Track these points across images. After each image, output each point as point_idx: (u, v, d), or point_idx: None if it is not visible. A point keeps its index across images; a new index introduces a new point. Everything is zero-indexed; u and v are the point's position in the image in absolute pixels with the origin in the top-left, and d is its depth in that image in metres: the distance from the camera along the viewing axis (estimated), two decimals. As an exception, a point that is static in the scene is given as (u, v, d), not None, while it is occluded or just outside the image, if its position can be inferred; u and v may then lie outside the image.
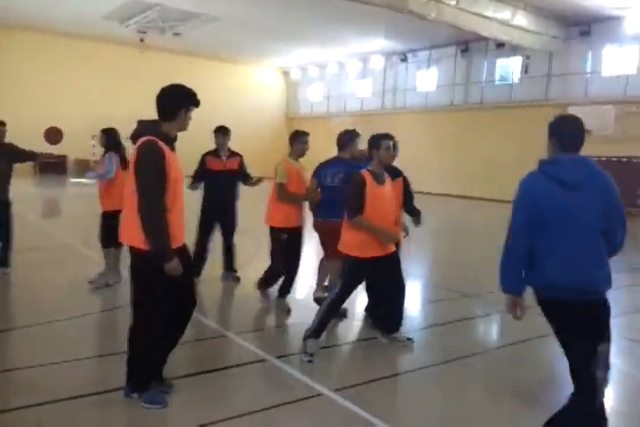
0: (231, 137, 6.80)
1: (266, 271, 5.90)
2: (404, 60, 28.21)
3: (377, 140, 4.59)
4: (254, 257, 7.98)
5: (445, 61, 26.65)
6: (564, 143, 3.00)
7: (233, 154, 6.84)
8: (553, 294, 2.91)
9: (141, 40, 26.38)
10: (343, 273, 4.60)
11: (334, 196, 5.24)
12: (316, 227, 5.66)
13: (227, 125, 6.88)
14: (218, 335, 4.92)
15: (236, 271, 6.99)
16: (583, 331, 2.85)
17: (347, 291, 4.60)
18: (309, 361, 4.39)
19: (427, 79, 27.67)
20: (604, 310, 2.88)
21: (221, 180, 6.64)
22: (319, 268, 5.99)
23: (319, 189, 5.57)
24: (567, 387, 3.71)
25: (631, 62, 20.51)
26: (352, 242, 4.51)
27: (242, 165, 6.86)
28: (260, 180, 6.82)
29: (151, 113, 3.54)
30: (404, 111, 27.89)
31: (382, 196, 4.54)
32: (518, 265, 2.98)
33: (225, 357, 4.51)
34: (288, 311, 5.72)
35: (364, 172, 4.53)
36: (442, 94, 26.69)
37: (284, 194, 5.54)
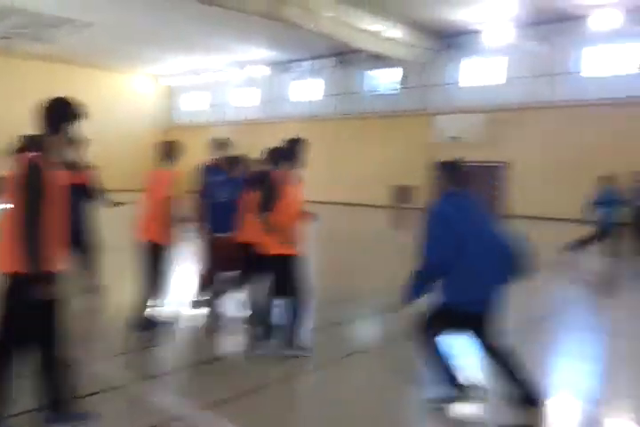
0: (88, 149, 6.33)
1: (140, 298, 5.39)
2: (287, 69, 28.55)
3: (298, 144, 4.87)
4: (119, 277, 7.56)
5: (327, 71, 27.25)
6: (455, 181, 3.68)
7: (82, 167, 6.30)
8: (469, 307, 3.56)
9: (9, 47, 24.68)
10: (277, 271, 4.72)
11: (226, 211, 5.43)
12: (212, 242, 5.67)
13: (101, 136, 6.48)
14: (74, 362, 4.57)
15: (97, 292, 6.55)
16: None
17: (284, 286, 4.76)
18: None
19: (310, 89, 28.14)
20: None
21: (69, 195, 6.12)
22: (206, 280, 5.86)
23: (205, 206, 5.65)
24: (430, 384, 3.84)
25: (497, 73, 22.13)
26: (274, 241, 4.63)
27: (93, 179, 6.38)
28: (117, 204, 6.45)
29: (26, 124, 3.31)
30: (287, 121, 28.12)
31: (295, 195, 4.80)
32: (430, 283, 3.54)
33: (84, 384, 4.21)
34: (153, 326, 5.40)
35: (278, 172, 4.75)
36: (324, 104, 27.25)
37: (173, 209, 5.27)
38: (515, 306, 7.13)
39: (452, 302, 3.53)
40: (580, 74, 20.17)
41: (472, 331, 3.69)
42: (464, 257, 3.41)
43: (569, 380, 4.60)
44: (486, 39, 21.82)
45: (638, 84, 18.62)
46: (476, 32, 21.84)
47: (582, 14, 19.17)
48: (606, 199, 9.71)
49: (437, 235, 3.45)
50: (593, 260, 9.93)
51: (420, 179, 23.61)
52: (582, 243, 9.90)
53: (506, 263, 3.50)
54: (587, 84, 19.88)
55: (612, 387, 4.48)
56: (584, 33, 19.71)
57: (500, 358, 3.69)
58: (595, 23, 19.33)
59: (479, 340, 3.71)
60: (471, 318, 3.61)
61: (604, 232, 9.63)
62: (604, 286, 8.72)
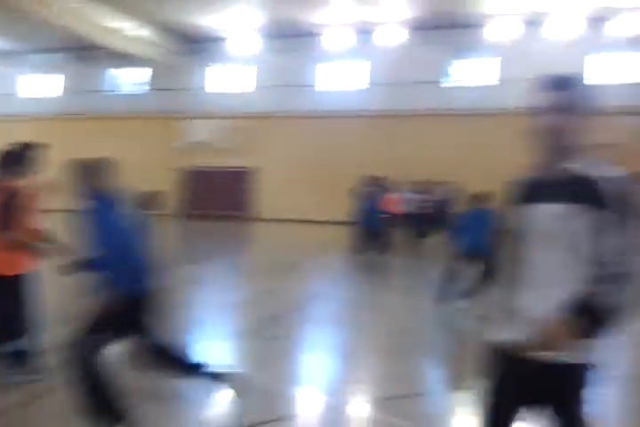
0: None
1: None
2: (17, 62, 25.45)
3: (33, 149, 4.29)
4: None
5: (67, 67, 25.03)
6: (96, 181, 3.47)
7: None
8: (141, 294, 3.39)
9: None
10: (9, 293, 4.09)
11: None
12: None
13: None
14: None
15: None
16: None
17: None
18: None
19: (46, 84, 25.61)
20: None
21: None
22: None
23: None
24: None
25: (245, 80, 22.80)
26: (8, 260, 4.04)
27: None
28: None
29: None
30: (16, 119, 24.82)
31: (33, 207, 4.25)
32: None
33: None
34: None
35: (11, 181, 4.10)
36: (64, 102, 24.97)
37: None
38: (257, 305, 7.33)
39: (120, 295, 3.31)
40: (316, 88, 21.81)
41: (136, 334, 3.42)
42: (133, 248, 3.45)
43: (312, 372, 4.76)
44: (232, 47, 22.35)
45: (366, 98, 20.82)
46: (224, 39, 22.22)
47: (319, 32, 20.78)
48: (370, 205, 10.55)
49: (113, 234, 3.37)
50: (360, 258, 10.60)
51: (169, 184, 23.13)
52: (362, 245, 10.56)
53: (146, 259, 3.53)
54: (323, 97, 21.59)
55: (350, 376, 4.76)
56: (320, 49, 21.39)
57: (168, 359, 3.53)
58: (328, 41, 21.11)
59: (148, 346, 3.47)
60: (138, 311, 3.39)
61: (374, 234, 10.45)
62: (356, 279, 9.39)
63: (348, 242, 10.94)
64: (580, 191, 1.83)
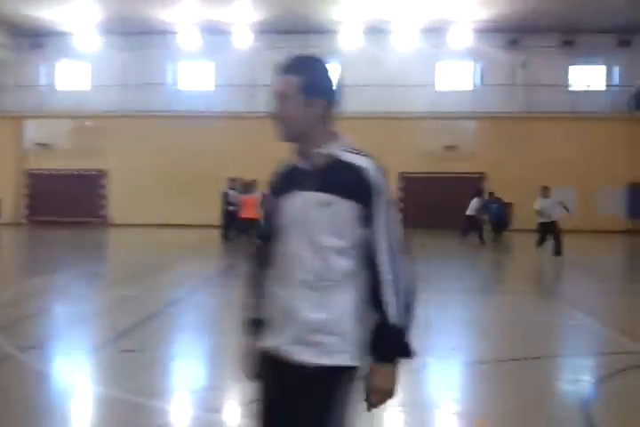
0: None
1: None
2: None
3: None
4: None
5: None
6: None
7: None
8: None
9: None
10: None
11: None
12: None
13: None
14: None
15: None
16: None
17: None
18: None
19: None
20: None
21: None
22: None
23: None
24: None
25: (85, 78, 21.49)
26: None
27: None
28: None
29: None
30: None
31: None
32: None
33: None
34: None
35: None
36: None
37: None
38: (114, 314, 6.94)
39: None
40: (167, 87, 21.22)
41: None
42: None
43: (176, 382, 4.63)
44: (77, 43, 21.00)
45: (214, 99, 20.62)
46: (68, 34, 20.79)
47: (172, 30, 20.22)
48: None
49: None
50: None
51: (8, 190, 21.27)
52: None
53: None
54: (175, 96, 21.05)
55: (215, 382, 4.67)
56: (172, 48, 20.82)
57: None
58: (181, 40, 20.66)
59: None
60: None
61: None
62: (220, 282, 9.24)
63: (215, 244, 10.82)
64: (335, 179, 1.65)
